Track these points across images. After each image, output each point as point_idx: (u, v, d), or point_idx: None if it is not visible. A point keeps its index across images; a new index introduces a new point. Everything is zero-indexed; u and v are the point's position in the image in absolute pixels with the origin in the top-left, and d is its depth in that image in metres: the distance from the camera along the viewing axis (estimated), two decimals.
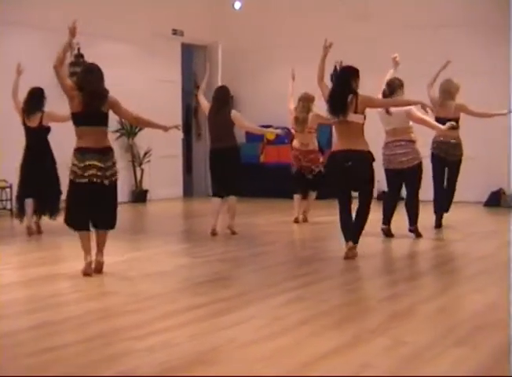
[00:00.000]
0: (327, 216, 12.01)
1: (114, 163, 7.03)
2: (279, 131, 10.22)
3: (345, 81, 7.78)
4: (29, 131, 9.68)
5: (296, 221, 11.02)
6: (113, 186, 7.02)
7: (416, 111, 8.87)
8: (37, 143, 9.68)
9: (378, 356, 4.41)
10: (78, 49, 13.38)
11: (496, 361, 4.32)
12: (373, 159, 7.77)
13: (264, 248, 8.87)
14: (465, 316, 5.47)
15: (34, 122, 9.63)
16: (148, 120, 7.53)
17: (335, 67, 15.64)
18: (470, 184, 13.25)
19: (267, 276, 7.20)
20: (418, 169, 9.13)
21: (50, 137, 9.77)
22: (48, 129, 9.75)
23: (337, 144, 7.99)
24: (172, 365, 4.25)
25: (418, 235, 9.21)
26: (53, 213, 9.79)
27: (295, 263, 7.81)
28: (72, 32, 6.99)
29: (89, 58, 13.19)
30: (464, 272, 7.27)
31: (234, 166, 9.72)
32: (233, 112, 9.72)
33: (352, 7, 15.29)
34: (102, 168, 6.86)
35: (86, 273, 6.90)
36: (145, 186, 14.96)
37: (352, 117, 7.60)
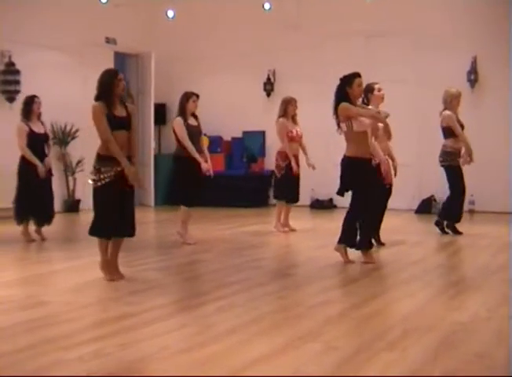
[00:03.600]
0: (261, 224, 12.12)
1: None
2: None
3: (335, 94, 7.84)
4: None
5: (291, 228, 11.05)
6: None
7: None
8: None
9: (309, 362, 4.44)
10: (10, 57, 13.20)
11: (425, 363, 4.38)
12: (353, 164, 7.75)
13: (197, 256, 8.87)
14: (395, 320, 5.54)
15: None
16: None
17: (268, 75, 15.81)
18: (402, 192, 13.44)
19: (199, 284, 7.21)
20: None
21: None
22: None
23: None
24: (103, 375, 4.21)
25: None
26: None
27: (227, 271, 7.81)
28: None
29: (21, 66, 13.05)
30: (394, 277, 7.36)
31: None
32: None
33: (283, 16, 15.40)
34: None
35: None
36: (78, 196, 14.77)
37: (342, 127, 7.80)
